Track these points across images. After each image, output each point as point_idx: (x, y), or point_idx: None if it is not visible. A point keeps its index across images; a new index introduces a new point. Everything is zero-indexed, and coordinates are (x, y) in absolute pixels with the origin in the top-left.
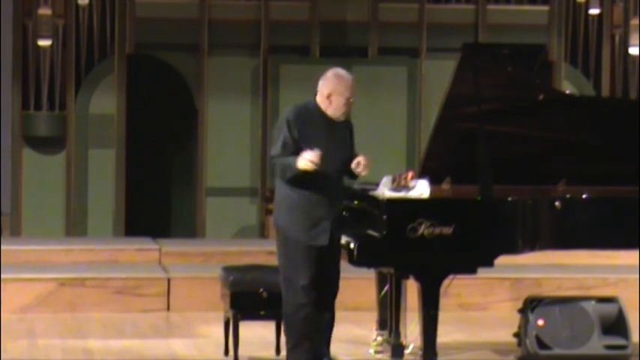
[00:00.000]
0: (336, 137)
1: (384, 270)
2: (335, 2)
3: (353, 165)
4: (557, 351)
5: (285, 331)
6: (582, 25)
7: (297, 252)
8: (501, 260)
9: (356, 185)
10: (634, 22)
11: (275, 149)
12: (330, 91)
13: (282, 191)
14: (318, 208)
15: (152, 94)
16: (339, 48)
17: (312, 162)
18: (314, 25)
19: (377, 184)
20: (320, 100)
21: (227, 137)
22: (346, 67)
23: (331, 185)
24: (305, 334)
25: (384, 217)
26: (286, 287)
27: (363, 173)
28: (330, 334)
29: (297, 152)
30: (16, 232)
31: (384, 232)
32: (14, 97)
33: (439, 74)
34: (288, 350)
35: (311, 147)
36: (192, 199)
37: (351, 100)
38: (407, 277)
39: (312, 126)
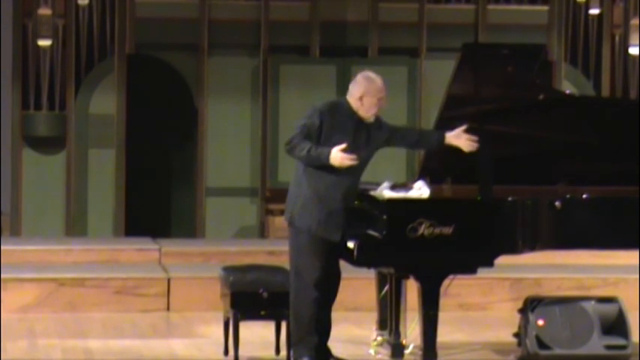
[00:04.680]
0: (361, 137)
1: (384, 270)
2: (335, 2)
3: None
4: (557, 351)
5: (291, 326)
6: (582, 25)
7: (311, 246)
8: (501, 260)
9: None
10: (634, 22)
11: (295, 133)
12: (362, 93)
13: (298, 187)
14: (332, 203)
15: (152, 94)
16: (339, 48)
17: (345, 160)
18: (314, 25)
19: (377, 184)
20: (352, 101)
21: (227, 137)
22: (346, 67)
23: (348, 183)
24: (310, 330)
25: (384, 217)
26: (297, 282)
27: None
28: (329, 334)
29: (312, 139)
30: (16, 232)
31: (384, 232)
32: (14, 97)
33: (439, 74)
34: (293, 345)
35: (336, 141)
36: (192, 199)
37: (383, 100)
38: (407, 277)
39: (341, 121)
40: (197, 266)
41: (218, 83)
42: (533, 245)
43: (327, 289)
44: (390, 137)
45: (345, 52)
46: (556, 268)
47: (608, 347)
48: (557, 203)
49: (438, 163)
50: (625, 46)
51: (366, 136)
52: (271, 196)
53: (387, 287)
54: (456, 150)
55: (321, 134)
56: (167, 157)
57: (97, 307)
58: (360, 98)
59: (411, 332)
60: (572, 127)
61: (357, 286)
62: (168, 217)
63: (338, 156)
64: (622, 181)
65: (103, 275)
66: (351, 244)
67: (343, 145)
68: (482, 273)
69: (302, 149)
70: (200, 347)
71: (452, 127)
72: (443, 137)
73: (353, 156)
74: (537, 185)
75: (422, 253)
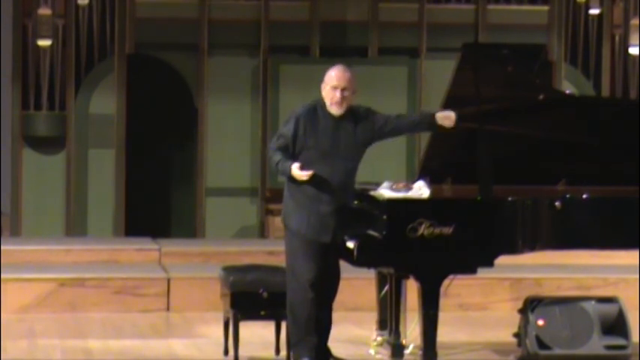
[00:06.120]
0: (343, 135)
1: (384, 270)
2: (335, 2)
3: (440, 117)
4: (557, 351)
5: (289, 327)
6: (582, 25)
7: (303, 247)
8: (501, 260)
9: (356, 185)
10: (634, 22)
11: (273, 140)
12: (322, 86)
13: (289, 187)
14: (322, 205)
15: (152, 94)
16: (339, 48)
17: (302, 177)
18: (314, 25)
19: (377, 184)
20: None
21: (227, 137)
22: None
23: (337, 183)
24: (309, 331)
25: (384, 217)
26: (292, 282)
27: (448, 123)
28: (328, 334)
29: (288, 148)
30: (16, 232)
31: (384, 232)
32: (14, 97)
33: (439, 74)
34: (292, 346)
35: (311, 144)
36: (192, 199)
37: (340, 90)
38: (407, 277)
39: (319, 123)
40: (197, 266)
41: (218, 83)
42: (533, 245)
43: (326, 289)
44: (384, 126)
45: (345, 52)
46: (556, 268)
47: (608, 347)
48: (557, 203)
49: (438, 163)
50: (625, 46)
51: (348, 133)
52: (271, 196)
53: (387, 287)
54: (456, 149)
55: (296, 140)
56: (167, 157)
57: (97, 307)
58: (322, 91)
59: (411, 332)
60: (572, 127)
61: (357, 286)
62: (169, 217)
63: (295, 174)
64: (622, 181)
65: (103, 275)
66: (351, 244)
67: (297, 164)
68: (482, 273)
69: (273, 162)
70: (200, 347)
71: (452, 127)
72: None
73: (308, 172)
74: (537, 185)
75: (422, 253)
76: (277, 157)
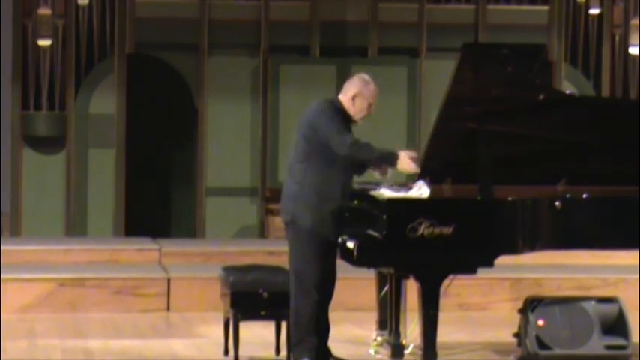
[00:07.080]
0: None
1: (384, 270)
2: (335, 2)
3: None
4: (557, 351)
5: (291, 327)
6: (582, 25)
7: (311, 248)
8: (501, 260)
9: (356, 185)
10: (634, 22)
11: (343, 136)
12: (355, 93)
13: (298, 186)
14: (332, 202)
15: (152, 94)
16: (339, 48)
17: (412, 167)
18: (314, 25)
19: (377, 184)
20: (343, 99)
21: (227, 137)
22: (346, 67)
23: (344, 182)
24: (309, 331)
25: (384, 217)
26: (298, 283)
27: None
28: (328, 334)
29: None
30: (16, 232)
31: (384, 232)
32: (14, 97)
33: (439, 74)
34: (292, 346)
35: None
36: (192, 199)
37: (373, 106)
38: (407, 277)
39: None
40: (197, 266)
41: (218, 83)
42: (533, 245)
43: (326, 289)
44: None
45: (345, 52)
46: (556, 268)
47: (608, 347)
48: (557, 203)
49: (438, 163)
50: (625, 46)
51: None
52: (271, 196)
53: (387, 287)
54: (456, 149)
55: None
56: (167, 157)
57: (97, 307)
58: (353, 98)
59: (411, 332)
60: (572, 127)
61: (357, 286)
62: (169, 217)
63: (406, 162)
64: (622, 181)
65: (103, 275)
66: (351, 244)
67: (413, 154)
68: (483, 273)
69: (370, 150)
70: (200, 347)
71: (452, 127)
72: None
73: (417, 167)
74: (537, 185)
75: (422, 253)
76: (369, 147)
